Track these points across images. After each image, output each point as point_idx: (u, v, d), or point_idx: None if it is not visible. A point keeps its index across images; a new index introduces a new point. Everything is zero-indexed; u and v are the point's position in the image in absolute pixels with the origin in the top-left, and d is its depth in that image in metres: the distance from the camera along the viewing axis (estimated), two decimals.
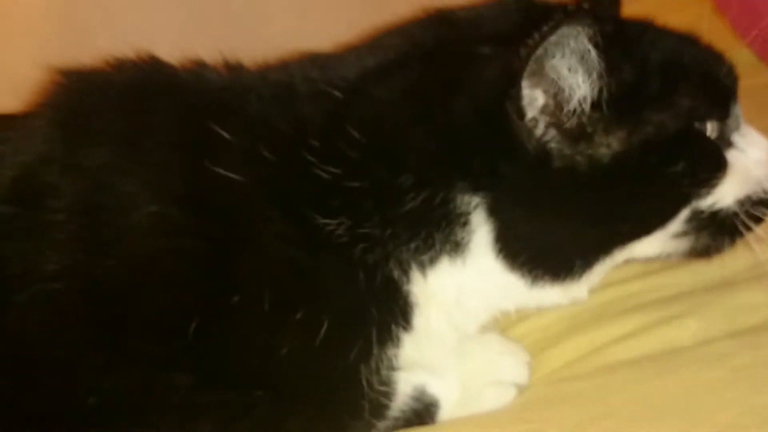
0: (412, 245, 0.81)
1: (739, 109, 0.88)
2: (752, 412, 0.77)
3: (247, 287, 0.77)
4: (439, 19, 0.89)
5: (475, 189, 0.80)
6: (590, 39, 0.76)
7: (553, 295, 0.85)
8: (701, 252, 0.88)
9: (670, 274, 0.97)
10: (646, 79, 0.81)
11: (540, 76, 0.78)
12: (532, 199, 0.81)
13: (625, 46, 0.81)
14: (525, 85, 0.78)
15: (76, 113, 0.86)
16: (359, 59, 0.88)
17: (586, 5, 0.77)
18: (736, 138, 0.88)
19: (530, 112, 0.79)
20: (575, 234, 0.83)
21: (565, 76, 0.78)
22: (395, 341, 0.83)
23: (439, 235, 0.81)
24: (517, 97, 0.78)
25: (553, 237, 0.82)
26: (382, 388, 0.83)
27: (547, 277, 0.83)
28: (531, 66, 0.77)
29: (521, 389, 0.90)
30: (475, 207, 0.81)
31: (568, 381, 0.88)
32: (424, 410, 0.89)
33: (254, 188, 0.80)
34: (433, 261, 0.82)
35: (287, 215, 0.80)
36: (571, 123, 0.79)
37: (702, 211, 0.85)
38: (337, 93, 0.84)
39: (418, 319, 0.84)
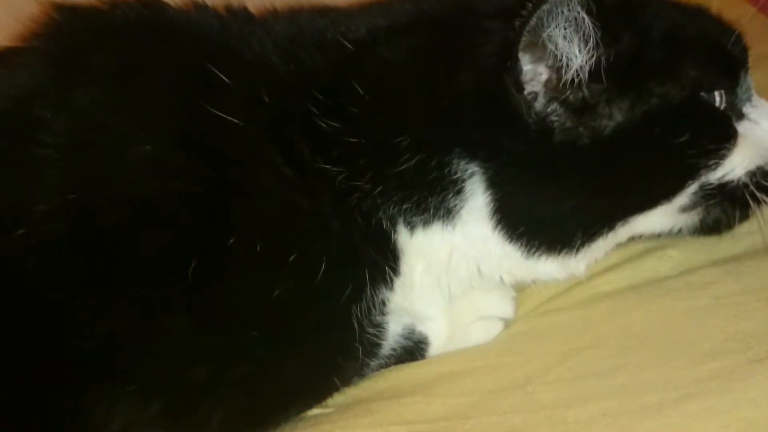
0: (404, 206, 0.81)
1: (750, 81, 0.87)
2: (734, 338, 0.78)
3: (244, 229, 0.77)
4: None
5: (473, 158, 0.80)
6: (583, 6, 0.76)
7: (549, 268, 0.84)
8: (711, 227, 0.87)
9: None
10: (648, 49, 0.80)
11: (535, 47, 0.77)
12: (533, 172, 0.81)
13: (626, 16, 0.81)
14: (521, 57, 0.78)
15: (68, 50, 0.84)
16: (370, 18, 0.87)
17: None
18: (747, 109, 0.86)
19: (528, 85, 0.79)
20: (577, 207, 0.81)
21: (561, 45, 0.77)
22: (387, 284, 0.83)
23: (432, 199, 0.81)
24: (514, 70, 0.78)
25: (554, 209, 0.81)
26: (374, 330, 0.84)
27: (544, 249, 0.82)
28: (526, 37, 0.76)
29: (508, 323, 0.91)
30: (471, 175, 0.80)
31: (553, 313, 0.89)
32: (415, 348, 0.90)
33: (253, 131, 0.80)
34: (425, 223, 0.82)
35: (287, 158, 0.80)
36: (571, 95, 0.79)
37: (710, 184, 0.83)
38: (348, 45, 0.84)
39: (404, 266, 0.84)
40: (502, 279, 0.88)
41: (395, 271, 0.84)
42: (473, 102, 0.80)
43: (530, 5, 0.75)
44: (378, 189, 0.80)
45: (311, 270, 0.78)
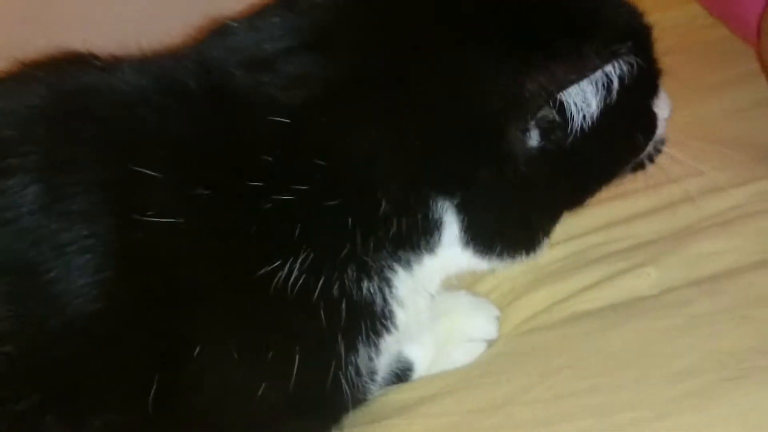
0: (399, 254, 0.79)
1: None
2: (710, 357, 0.79)
3: (207, 338, 0.73)
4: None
5: (448, 196, 0.79)
6: (620, 75, 0.78)
7: (509, 262, 0.85)
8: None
9: (631, 225, 0.98)
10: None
11: (553, 101, 0.77)
12: (506, 193, 0.81)
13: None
14: (543, 109, 0.77)
15: None
16: (307, 64, 0.77)
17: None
18: None
19: (531, 128, 0.78)
20: (541, 214, 0.85)
21: (582, 103, 0.77)
22: (387, 333, 0.82)
23: (421, 241, 0.80)
24: (528, 122, 0.77)
25: (521, 222, 0.83)
26: (366, 379, 0.83)
27: (514, 255, 0.84)
28: (557, 95, 0.76)
29: (490, 343, 0.92)
30: (447, 209, 0.80)
31: (533, 333, 0.90)
32: (400, 374, 0.91)
33: (193, 230, 0.73)
34: (418, 260, 0.81)
35: (232, 258, 0.74)
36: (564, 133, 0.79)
37: None
38: (283, 119, 0.75)
39: (402, 313, 0.82)
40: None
41: (394, 323, 0.82)
42: (455, 143, 0.77)
43: (570, 68, 0.75)
44: (348, 250, 0.76)
45: (286, 365, 0.75)
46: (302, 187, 0.73)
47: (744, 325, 0.81)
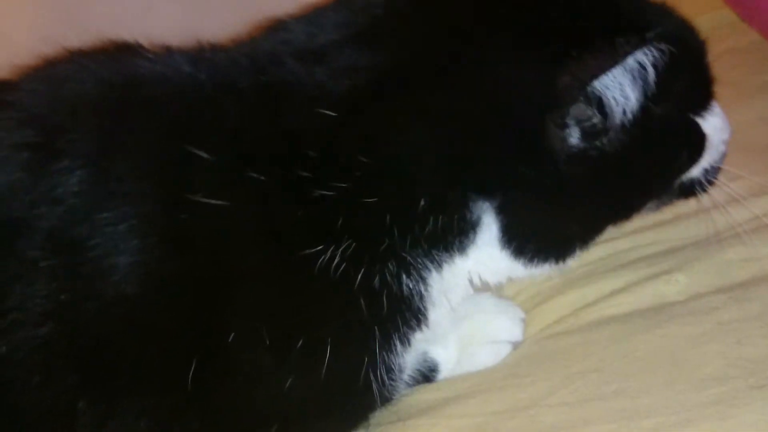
0: (434, 253, 0.80)
1: None
2: (736, 364, 0.78)
3: (243, 323, 0.74)
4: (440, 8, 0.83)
5: (488, 197, 0.80)
6: (653, 62, 0.77)
7: (546, 270, 0.86)
8: (657, 209, 0.93)
9: (660, 230, 0.98)
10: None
11: (591, 96, 0.77)
12: (545, 195, 0.81)
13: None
14: (579, 104, 0.77)
15: (42, 131, 0.77)
16: (355, 56, 0.79)
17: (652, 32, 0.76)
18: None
19: (572, 124, 0.78)
20: (582, 222, 0.85)
21: (619, 95, 0.78)
22: (417, 329, 0.82)
23: (455, 241, 0.81)
24: (564, 115, 0.77)
25: (561, 227, 0.84)
26: (394, 379, 0.83)
27: (549, 260, 0.84)
28: (590, 88, 0.76)
29: (516, 345, 0.92)
30: (486, 210, 0.80)
31: (559, 336, 0.90)
32: (426, 374, 0.91)
33: (243, 213, 0.75)
34: (449, 261, 0.82)
35: (276, 242, 0.75)
36: (604, 132, 0.79)
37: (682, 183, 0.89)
38: (330, 112, 0.76)
39: (433, 311, 0.83)
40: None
41: (426, 321, 0.82)
42: (495, 140, 0.78)
43: (600, 57, 0.75)
44: (387, 244, 0.77)
45: (319, 354, 0.75)
46: (343, 185, 0.75)
47: None
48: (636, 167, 0.83)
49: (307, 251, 0.75)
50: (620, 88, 0.77)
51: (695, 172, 0.89)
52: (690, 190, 0.90)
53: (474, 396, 0.85)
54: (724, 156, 0.91)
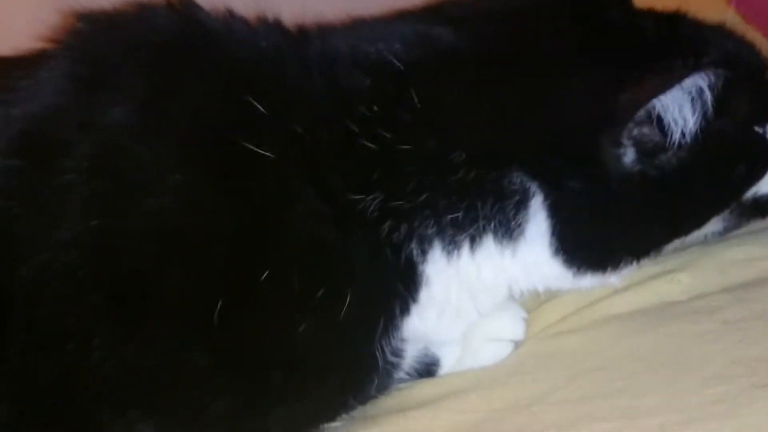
0: (448, 217, 0.80)
1: None
2: (740, 363, 0.78)
3: (275, 267, 0.76)
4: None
5: (534, 179, 0.80)
6: (710, 85, 0.78)
7: (591, 282, 0.86)
8: (731, 229, 0.92)
9: None
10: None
11: (651, 117, 0.79)
12: (597, 206, 0.82)
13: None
14: (633, 125, 0.79)
15: (92, 65, 0.80)
16: (421, 32, 0.85)
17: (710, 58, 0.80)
18: None
19: (627, 143, 0.80)
20: (634, 237, 0.85)
21: (678, 120, 0.79)
22: (408, 312, 0.83)
23: (485, 210, 0.80)
24: (620, 134, 0.79)
25: (613, 240, 0.84)
26: (394, 358, 0.84)
27: (594, 270, 0.85)
28: (644, 111, 0.78)
29: (518, 344, 0.92)
30: (533, 195, 0.81)
31: (562, 335, 0.89)
32: (425, 370, 0.91)
33: (287, 165, 0.78)
34: (474, 242, 0.81)
35: (319, 193, 0.78)
36: (661, 151, 0.81)
37: (745, 199, 0.88)
38: (397, 63, 0.82)
39: (428, 295, 0.83)
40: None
41: (416, 300, 0.83)
42: (549, 139, 0.81)
43: (657, 80, 0.78)
44: (421, 199, 0.79)
45: (337, 305, 0.77)
46: (387, 134, 0.79)
47: None
48: (692, 185, 0.84)
49: (346, 199, 0.78)
50: (679, 110, 0.79)
51: (765, 187, 0.88)
52: (758, 207, 0.89)
53: (476, 391, 0.85)
54: None
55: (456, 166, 0.79)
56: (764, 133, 0.86)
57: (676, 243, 0.90)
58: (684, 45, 0.84)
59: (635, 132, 0.80)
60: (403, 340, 0.84)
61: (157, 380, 0.76)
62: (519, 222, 0.81)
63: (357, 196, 0.78)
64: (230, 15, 0.85)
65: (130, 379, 0.75)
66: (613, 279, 0.88)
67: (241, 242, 0.76)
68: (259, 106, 0.77)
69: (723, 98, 0.80)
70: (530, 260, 0.83)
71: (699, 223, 0.88)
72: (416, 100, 0.79)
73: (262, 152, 0.76)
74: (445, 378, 0.89)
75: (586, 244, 0.83)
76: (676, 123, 0.79)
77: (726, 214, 0.89)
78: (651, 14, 0.87)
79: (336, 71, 0.82)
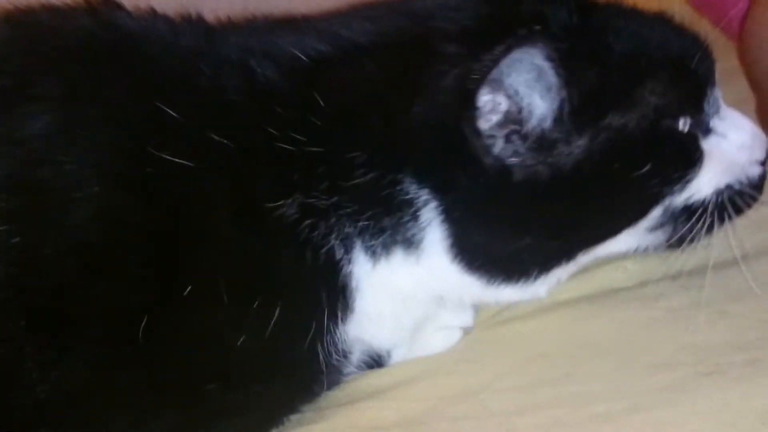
0: (360, 222, 0.78)
1: (717, 93, 0.84)
2: (686, 350, 0.79)
3: (200, 280, 0.74)
4: (406, 7, 0.84)
5: (424, 184, 0.77)
6: (546, 57, 0.73)
7: (510, 293, 0.83)
8: (676, 243, 0.85)
9: None
10: (608, 78, 0.77)
11: (495, 96, 0.74)
12: (489, 209, 0.78)
13: (589, 46, 0.77)
14: (480, 105, 0.74)
15: (11, 74, 0.77)
16: (331, 33, 0.82)
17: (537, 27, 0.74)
18: (715, 122, 0.83)
19: (487, 131, 0.75)
20: (534, 244, 0.80)
21: (522, 95, 0.75)
22: (344, 319, 0.81)
23: (388, 219, 0.79)
24: (472, 117, 0.74)
25: (511, 246, 0.80)
26: (340, 358, 0.82)
27: (503, 279, 0.81)
28: (485, 87, 0.73)
29: (467, 330, 0.91)
30: (425, 203, 0.78)
31: (510, 322, 0.89)
32: (375, 360, 0.90)
33: (206, 173, 0.75)
34: (386, 249, 0.80)
35: (240, 200, 0.76)
36: (530, 139, 0.76)
37: (676, 206, 0.82)
38: (305, 59, 0.80)
39: (362, 301, 0.81)
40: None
41: (349, 306, 0.81)
42: (427, 135, 0.77)
43: (490, 57, 0.72)
44: (332, 200, 0.77)
45: (270, 315, 0.75)
46: (302, 138, 0.76)
47: (721, 320, 0.81)
48: (590, 189, 0.78)
49: (267, 205, 0.76)
50: (524, 91, 0.75)
51: (703, 192, 0.82)
52: (702, 216, 0.82)
53: (424, 380, 0.84)
54: (764, 177, 0.84)
55: (357, 170, 0.77)
56: (683, 128, 0.80)
57: (600, 253, 0.85)
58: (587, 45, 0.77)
59: (491, 119, 0.75)
60: (346, 341, 0.82)
61: (92, 402, 0.74)
62: (418, 226, 0.79)
63: (278, 202, 0.76)
64: (152, 15, 0.83)
65: (65, 402, 0.73)
66: (540, 290, 0.84)
67: (162, 257, 0.74)
68: (172, 113, 0.75)
69: (614, 82, 0.76)
70: (436, 269, 0.81)
71: (606, 233, 0.82)
72: (320, 99, 0.77)
73: (179, 161, 0.74)
74: (394, 367, 0.89)
75: (484, 252, 0.80)
76: (528, 107, 0.75)
77: (659, 220, 0.83)
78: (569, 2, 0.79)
79: (252, 70, 0.80)
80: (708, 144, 0.82)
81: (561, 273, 0.84)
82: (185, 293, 0.73)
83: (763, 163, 0.85)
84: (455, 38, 0.78)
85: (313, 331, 0.78)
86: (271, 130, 0.76)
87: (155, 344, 0.73)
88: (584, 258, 0.84)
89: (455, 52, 0.77)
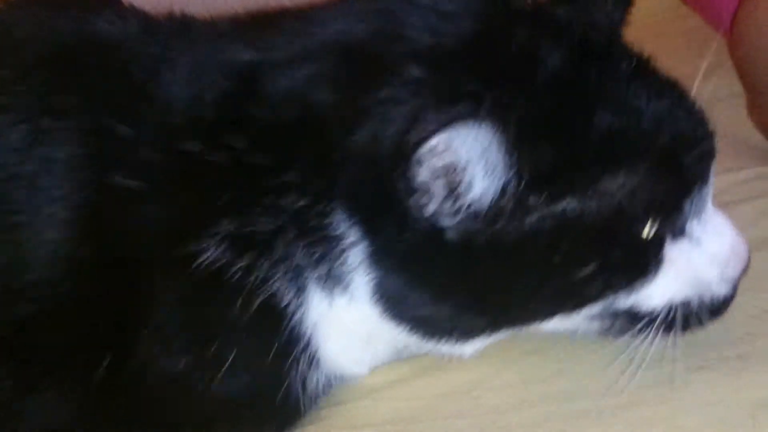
0: (302, 252, 0.72)
1: (707, 191, 0.73)
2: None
3: (156, 325, 0.71)
4: (383, 10, 0.74)
5: (353, 222, 0.71)
6: (494, 136, 0.65)
7: (435, 348, 0.79)
8: (615, 335, 0.78)
9: None
10: (575, 161, 0.68)
11: (435, 160, 0.65)
12: (414, 265, 0.72)
13: (567, 113, 0.68)
14: (418, 160, 0.65)
15: None
16: (285, 38, 0.75)
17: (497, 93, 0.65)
18: (693, 226, 0.73)
19: (422, 187, 0.67)
20: (454, 313, 0.74)
21: (463, 169, 0.66)
22: (312, 364, 0.77)
23: (321, 254, 0.72)
24: (408, 171, 0.65)
25: (431, 308, 0.74)
26: (319, 388, 0.80)
27: (428, 337, 0.77)
28: (425, 148, 0.64)
29: None
30: (352, 245, 0.71)
31: None
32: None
33: (157, 196, 0.71)
34: (325, 284, 0.74)
35: (190, 229, 0.70)
36: (469, 209, 0.68)
37: (617, 307, 0.74)
38: (250, 68, 0.73)
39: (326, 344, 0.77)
40: None
41: (313, 354, 0.77)
42: (362, 172, 0.69)
43: (429, 124, 0.63)
44: (277, 226, 0.71)
45: (225, 359, 0.72)
46: (235, 153, 0.71)
47: None
48: (527, 262, 0.70)
49: (215, 231, 0.70)
50: (468, 164, 0.66)
51: (653, 302, 0.74)
52: (647, 324, 0.74)
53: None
54: (729, 300, 0.75)
55: (291, 194, 0.70)
56: (647, 232, 0.70)
57: (531, 331, 0.78)
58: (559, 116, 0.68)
59: (427, 180, 0.66)
60: (321, 379, 0.79)
61: None
62: (347, 266, 0.72)
63: (228, 227, 0.70)
64: (130, 17, 0.80)
65: None
66: (465, 351, 0.79)
67: (116, 294, 0.71)
68: (124, 128, 0.71)
69: (529, 156, 0.66)
70: (365, 312, 0.75)
71: (534, 317, 0.75)
72: (259, 111, 0.72)
73: (128, 185, 0.69)
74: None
75: (405, 306, 0.74)
76: (468, 182, 0.67)
77: (597, 312, 0.75)
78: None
79: (198, 79, 0.74)
80: (675, 249, 0.73)
81: (486, 341, 0.79)
82: (141, 339, 0.70)
83: (735, 284, 0.75)
84: (422, 57, 0.69)
85: (280, 372, 0.75)
86: (202, 146, 0.71)
87: (116, 390, 0.71)
88: (510, 332, 0.78)
89: (415, 77, 0.68)
